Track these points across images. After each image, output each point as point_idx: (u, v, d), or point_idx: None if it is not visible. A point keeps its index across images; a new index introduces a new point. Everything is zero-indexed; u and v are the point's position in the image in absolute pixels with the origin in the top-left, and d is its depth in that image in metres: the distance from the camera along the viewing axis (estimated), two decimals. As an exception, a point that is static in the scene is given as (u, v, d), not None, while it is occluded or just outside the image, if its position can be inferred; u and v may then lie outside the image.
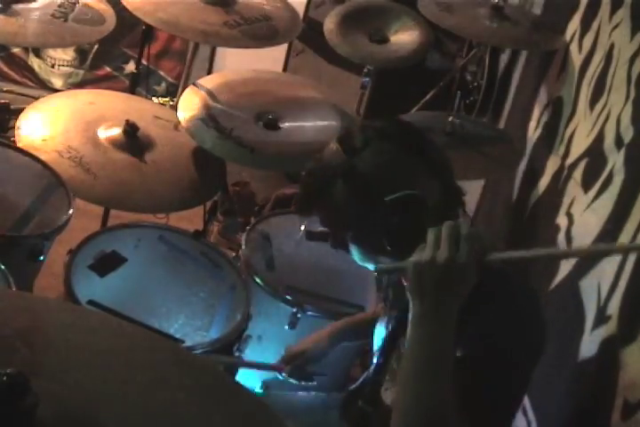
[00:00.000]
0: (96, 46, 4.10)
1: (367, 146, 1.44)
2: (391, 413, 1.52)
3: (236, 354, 2.05)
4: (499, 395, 1.39)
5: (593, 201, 2.17)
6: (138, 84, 3.34)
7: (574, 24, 2.71)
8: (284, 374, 1.98)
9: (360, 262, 1.56)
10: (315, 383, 2.01)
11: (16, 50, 4.08)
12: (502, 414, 1.44)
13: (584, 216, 2.22)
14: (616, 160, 2.09)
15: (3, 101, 2.88)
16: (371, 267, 1.55)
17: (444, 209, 1.45)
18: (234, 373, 2.05)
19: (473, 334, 1.39)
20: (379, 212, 1.41)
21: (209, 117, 2.38)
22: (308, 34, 3.41)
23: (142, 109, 2.58)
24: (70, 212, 2.01)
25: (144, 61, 3.37)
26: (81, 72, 4.18)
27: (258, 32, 2.62)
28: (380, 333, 1.68)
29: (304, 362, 1.97)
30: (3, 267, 1.79)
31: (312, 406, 1.98)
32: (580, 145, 2.39)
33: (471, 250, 1.26)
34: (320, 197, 1.49)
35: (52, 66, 4.11)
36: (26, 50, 4.07)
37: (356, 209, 1.45)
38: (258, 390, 2.15)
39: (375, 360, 1.67)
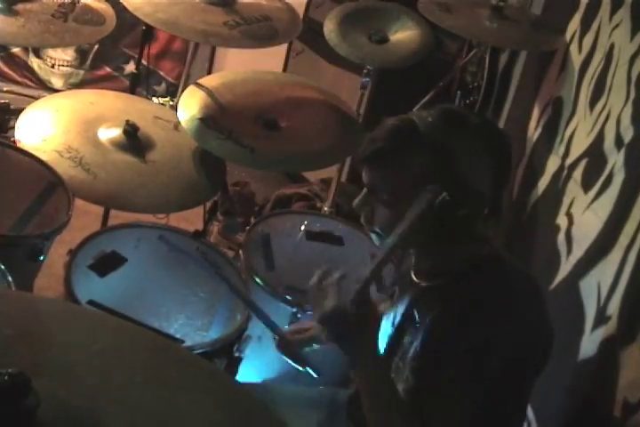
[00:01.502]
0: (96, 46, 4.10)
1: (466, 137, 1.43)
2: None
3: (236, 355, 2.05)
4: (496, 400, 1.41)
5: (593, 201, 2.17)
6: (138, 85, 3.34)
7: (574, 24, 2.71)
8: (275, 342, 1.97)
9: (380, 231, 1.53)
10: (306, 369, 2.00)
11: (16, 50, 4.07)
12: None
13: (584, 216, 2.22)
14: (616, 160, 2.09)
15: (3, 101, 2.88)
16: (377, 240, 1.55)
17: (481, 219, 1.48)
18: (234, 373, 2.05)
19: (474, 339, 1.40)
20: (443, 195, 1.40)
21: (209, 117, 2.38)
22: (308, 34, 3.41)
23: (142, 110, 2.58)
24: (70, 212, 2.01)
25: (144, 61, 3.36)
26: (81, 72, 4.17)
27: (258, 32, 2.62)
28: (385, 330, 1.68)
29: (304, 339, 1.95)
30: (3, 267, 1.79)
31: (319, 402, 1.97)
32: (580, 145, 2.39)
33: (333, 294, 1.43)
34: (395, 157, 1.45)
35: (52, 66, 4.11)
36: (26, 50, 4.07)
37: (426, 184, 1.41)
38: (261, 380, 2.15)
39: None
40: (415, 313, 1.57)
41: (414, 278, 1.59)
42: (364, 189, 1.52)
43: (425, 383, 1.49)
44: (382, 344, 1.65)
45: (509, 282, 1.50)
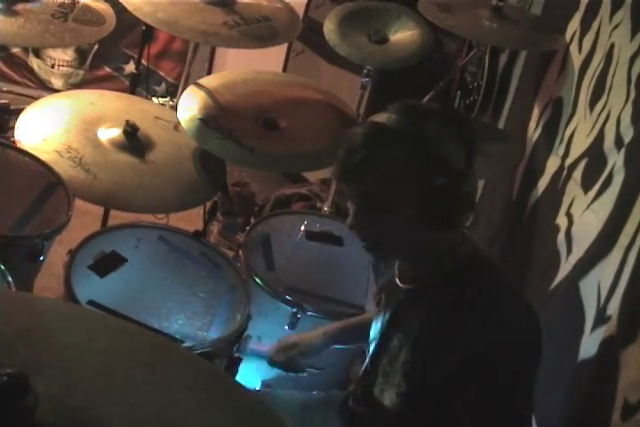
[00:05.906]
0: (96, 46, 4.10)
1: (433, 123, 1.43)
2: (390, 414, 1.54)
3: (236, 355, 2.05)
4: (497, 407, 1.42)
5: (593, 201, 2.17)
6: (138, 85, 3.34)
7: (574, 24, 2.71)
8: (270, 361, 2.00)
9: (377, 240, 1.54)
10: (305, 375, 2.01)
11: (16, 50, 4.08)
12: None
13: (584, 216, 2.22)
14: (616, 160, 2.09)
15: (3, 101, 2.88)
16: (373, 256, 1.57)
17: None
18: (234, 373, 2.05)
19: (460, 347, 1.42)
20: (434, 184, 1.40)
21: (209, 117, 2.38)
22: (308, 34, 3.41)
23: (142, 110, 2.57)
24: (70, 212, 2.01)
25: (144, 62, 3.36)
26: (81, 72, 4.18)
27: (258, 32, 2.62)
28: (373, 335, 1.69)
29: (295, 354, 1.98)
30: (3, 267, 1.79)
31: (312, 405, 1.98)
32: (580, 145, 2.39)
33: None
34: (380, 160, 1.43)
35: (52, 66, 4.11)
36: (26, 50, 4.07)
37: (413, 175, 1.41)
38: (257, 387, 2.16)
39: (367, 361, 1.68)
40: (401, 317, 1.57)
41: (399, 283, 1.60)
42: (354, 207, 1.50)
43: (418, 389, 1.50)
44: (371, 349, 1.67)
45: (488, 284, 1.50)
